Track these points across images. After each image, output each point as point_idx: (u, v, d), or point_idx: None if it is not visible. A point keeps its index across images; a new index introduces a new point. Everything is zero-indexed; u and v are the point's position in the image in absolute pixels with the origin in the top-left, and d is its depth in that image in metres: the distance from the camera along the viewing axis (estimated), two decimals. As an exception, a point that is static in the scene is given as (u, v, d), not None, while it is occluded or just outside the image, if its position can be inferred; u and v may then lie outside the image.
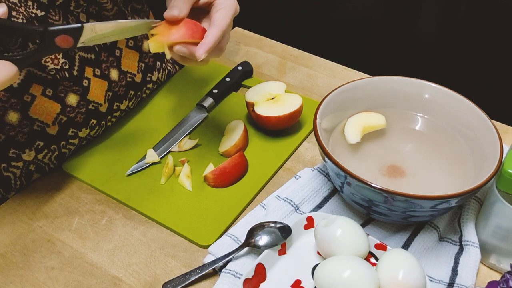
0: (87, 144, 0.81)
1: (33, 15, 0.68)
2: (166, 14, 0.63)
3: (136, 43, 0.84)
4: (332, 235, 0.61)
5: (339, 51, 1.23)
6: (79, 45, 0.58)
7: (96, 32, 0.59)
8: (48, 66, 0.70)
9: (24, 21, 0.66)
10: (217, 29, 0.64)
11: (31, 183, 0.75)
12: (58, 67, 0.71)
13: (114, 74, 0.80)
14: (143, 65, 0.86)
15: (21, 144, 0.71)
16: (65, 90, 0.73)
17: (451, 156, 0.72)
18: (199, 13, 0.68)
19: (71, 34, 0.57)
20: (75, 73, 0.74)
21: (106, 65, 0.79)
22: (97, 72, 0.77)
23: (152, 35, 0.64)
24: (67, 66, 0.72)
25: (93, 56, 0.76)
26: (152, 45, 0.63)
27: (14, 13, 0.65)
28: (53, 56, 0.70)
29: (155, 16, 0.94)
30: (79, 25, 0.57)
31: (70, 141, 0.77)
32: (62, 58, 0.72)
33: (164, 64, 0.92)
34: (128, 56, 0.83)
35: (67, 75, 0.73)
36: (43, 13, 0.69)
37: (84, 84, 0.75)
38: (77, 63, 0.74)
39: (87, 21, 0.74)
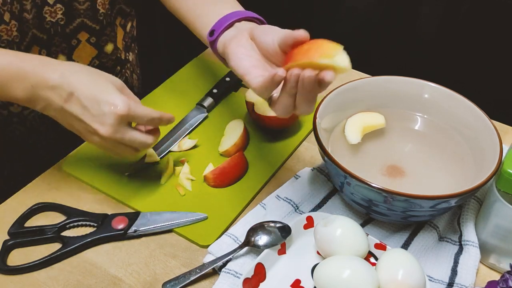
0: (87, 143, 0.81)
1: None
2: (299, 34, 0.56)
3: (100, 42, 0.83)
4: (331, 235, 0.61)
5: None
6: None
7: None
8: None
9: None
10: None
11: (27, 182, 0.76)
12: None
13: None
14: (97, 62, 0.85)
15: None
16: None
17: (451, 156, 0.71)
18: None
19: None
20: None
21: (56, 49, 0.79)
22: (44, 53, 0.78)
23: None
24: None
25: (45, 37, 0.76)
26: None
27: None
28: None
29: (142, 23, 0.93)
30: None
31: None
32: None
33: (123, 71, 0.92)
34: (85, 49, 0.82)
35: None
36: None
37: None
38: (27, 39, 0.74)
39: (54, 4, 0.74)
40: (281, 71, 0.55)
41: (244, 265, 0.63)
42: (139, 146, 0.67)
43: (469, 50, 1.48)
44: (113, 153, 0.68)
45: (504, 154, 0.62)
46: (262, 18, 0.69)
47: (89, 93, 0.63)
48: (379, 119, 0.75)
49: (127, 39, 0.92)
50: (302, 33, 0.56)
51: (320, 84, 0.55)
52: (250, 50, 0.62)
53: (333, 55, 0.53)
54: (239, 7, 0.71)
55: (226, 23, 0.66)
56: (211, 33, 0.67)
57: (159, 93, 0.92)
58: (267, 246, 0.63)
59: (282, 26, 0.62)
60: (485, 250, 0.65)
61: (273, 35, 0.60)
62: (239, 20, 0.67)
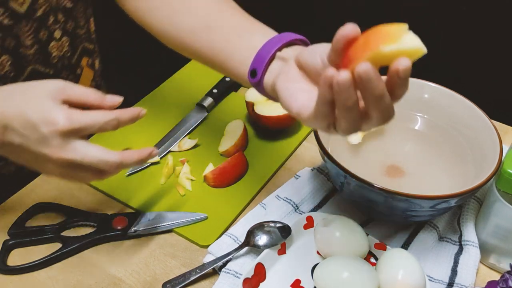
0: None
1: None
2: (347, 29, 0.42)
3: (93, 61, 0.83)
4: (331, 235, 0.61)
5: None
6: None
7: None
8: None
9: None
10: None
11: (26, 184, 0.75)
12: (2, 72, 0.68)
13: None
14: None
15: None
16: None
17: (451, 156, 0.71)
18: None
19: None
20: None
21: None
22: None
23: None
24: (12, 74, 0.69)
25: (51, 72, 0.74)
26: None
27: None
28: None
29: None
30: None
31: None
32: (9, 66, 0.68)
33: None
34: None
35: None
36: (11, 22, 0.65)
37: None
38: (26, 74, 0.71)
39: (60, 38, 0.72)
40: (331, 71, 0.41)
41: (244, 265, 0.63)
42: (101, 165, 0.54)
43: (469, 50, 1.48)
44: (78, 181, 0.58)
45: (504, 154, 0.62)
46: (302, 37, 0.56)
47: (23, 119, 0.53)
48: (379, 119, 0.75)
49: (98, 78, 0.87)
50: (350, 27, 0.42)
51: (396, 80, 0.43)
52: (302, 83, 0.50)
53: (397, 37, 0.41)
54: (272, 32, 0.58)
55: (267, 57, 0.54)
56: (253, 73, 0.55)
57: (159, 93, 0.92)
58: (267, 246, 0.63)
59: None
60: (485, 250, 0.65)
61: (321, 52, 0.48)
62: (279, 49, 0.54)
